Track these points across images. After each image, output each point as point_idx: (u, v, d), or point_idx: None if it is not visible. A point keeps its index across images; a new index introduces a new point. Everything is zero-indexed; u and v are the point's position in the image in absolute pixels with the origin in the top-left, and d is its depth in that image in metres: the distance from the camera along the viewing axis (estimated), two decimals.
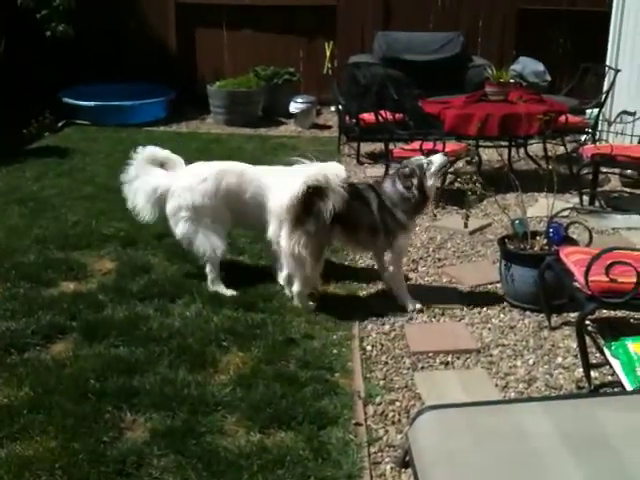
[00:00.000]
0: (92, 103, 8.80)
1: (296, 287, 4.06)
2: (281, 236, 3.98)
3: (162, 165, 4.40)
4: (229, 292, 4.22)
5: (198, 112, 9.45)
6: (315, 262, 3.96)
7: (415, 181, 3.98)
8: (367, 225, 4.04)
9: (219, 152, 7.68)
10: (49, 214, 5.55)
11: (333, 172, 3.85)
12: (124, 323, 3.79)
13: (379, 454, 2.91)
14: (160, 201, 4.25)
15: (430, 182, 4.02)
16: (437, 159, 4.08)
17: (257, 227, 4.37)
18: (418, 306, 4.12)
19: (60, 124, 8.60)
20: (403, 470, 2.78)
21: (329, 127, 9.20)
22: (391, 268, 4.18)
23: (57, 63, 8.73)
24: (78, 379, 3.27)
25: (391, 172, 4.15)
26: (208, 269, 4.27)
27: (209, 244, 4.22)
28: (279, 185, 4.05)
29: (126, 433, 2.94)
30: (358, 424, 3.05)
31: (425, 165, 4.03)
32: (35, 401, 3.10)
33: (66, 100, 8.87)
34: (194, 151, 7.67)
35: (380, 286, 4.43)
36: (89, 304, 4.01)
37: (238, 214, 4.32)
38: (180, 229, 4.24)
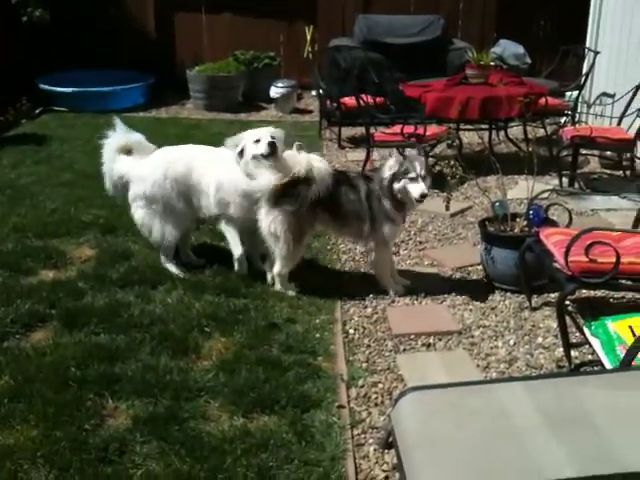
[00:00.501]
0: (70, 89, 8.68)
1: (276, 268, 4.05)
2: (260, 215, 3.98)
3: (130, 151, 4.33)
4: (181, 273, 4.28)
5: (178, 97, 9.37)
6: (295, 243, 3.97)
7: (391, 170, 3.92)
8: (353, 212, 4.01)
9: (200, 138, 7.62)
10: (27, 202, 5.48)
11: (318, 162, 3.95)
12: (105, 310, 3.76)
13: (362, 436, 2.92)
14: (125, 188, 4.30)
15: (398, 186, 3.89)
16: (417, 190, 3.87)
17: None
18: (399, 293, 4.10)
19: (37, 111, 8.49)
20: (386, 451, 2.80)
21: (310, 112, 9.16)
22: (373, 255, 4.14)
23: (34, 49, 8.60)
24: (59, 367, 3.24)
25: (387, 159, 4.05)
26: (162, 258, 4.32)
27: (161, 232, 4.24)
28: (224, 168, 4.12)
29: (108, 420, 2.92)
30: (341, 407, 3.06)
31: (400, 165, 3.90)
32: (15, 390, 3.08)
33: (43, 87, 8.75)
34: (174, 137, 7.60)
35: (362, 270, 4.44)
36: (69, 292, 3.97)
37: (196, 201, 4.26)
38: (137, 217, 4.29)
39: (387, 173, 3.91)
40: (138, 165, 4.26)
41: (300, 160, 3.90)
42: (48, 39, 8.70)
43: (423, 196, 3.84)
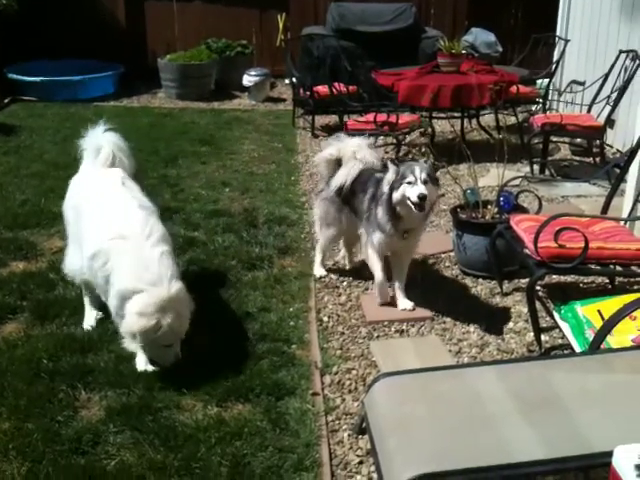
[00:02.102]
0: (39, 79, 8.55)
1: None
2: None
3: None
4: None
5: (149, 86, 9.27)
6: (324, 228, 4.12)
7: (389, 183, 3.63)
8: (360, 209, 3.89)
9: (172, 127, 7.58)
10: None
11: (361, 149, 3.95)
12: (76, 302, 3.71)
13: (336, 422, 2.94)
14: None
15: (396, 195, 3.57)
16: (414, 192, 3.51)
17: None
18: (383, 300, 3.88)
19: (6, 100, 8.34)
20: (360, 437, 2.83)
21: (284, 100, 9.14)
22: (364, 254, 3.96)
23: (2, 38, 8.44)
24: (30, 359, 3.21)
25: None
26: None
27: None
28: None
29: (81, 412, 2.91)
30: (315, 394, 3.08)
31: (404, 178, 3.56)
32: None
33: (12, 76, 8.60)
34: (146, 126, 7.57)
35: (337, 258, 4.45)
36: (40, 283, 3.93)
37: None
38: None
39: (386, 187, 3.62)
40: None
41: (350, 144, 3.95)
42: (17, 28, 8.54)
43: (421, 198, 3.46)
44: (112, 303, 3.10)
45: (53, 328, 3.50)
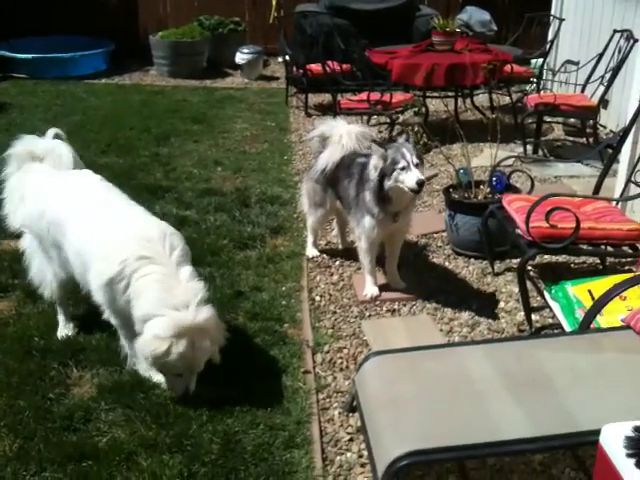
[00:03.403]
0: (29, 56, 8.47)
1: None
2: None
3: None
4: None
5: (141, 64, 9.20)
6: (312, 207, 4.10)
7: (377, 170, 3.51)
8: (345, 196, 3.84)
9: (164, 105, 7.53)
10: None
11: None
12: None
13: (327, 400, 2.96)
14: None
15: (390, 182, 3.47)
16: (411, 178, 3.40)
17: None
18: (373, 293, 3.77)
19: None
20: (351, 414, 2.84)
21: (277, 78, 9.08)
22: (357, 243, 3.83)
23: None
24: (22, 337, 3.22)
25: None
26: None
27: None
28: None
29: (73, 389, 2.92)
30: (307, 372, 3.09)
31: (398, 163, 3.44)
32: None
33: (2, 53, 8.51)
34: (138, 104, 7.52)
35: (329, 238, 4.45)
36: None
37: None
38: None
39: (374, 174, 3.50)
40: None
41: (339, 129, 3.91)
42: (6, 5, 8.42)
43: (420, 184, 3.37)
44: (135, 325, 2.81)
45: (45, 306, 3.50)
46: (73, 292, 3.29)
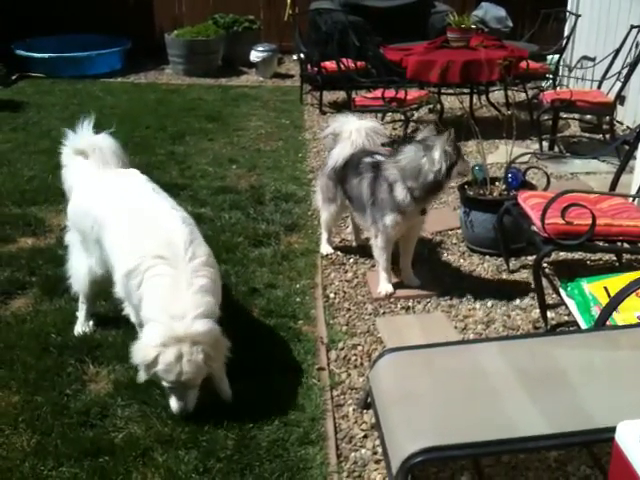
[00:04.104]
0: (46, 55, 8.54)
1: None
2: None
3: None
4: None
5: (156, 62, 9.24)
6: (325, 203, 4.10)
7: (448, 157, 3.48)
8: (357, 195, 3.82)
9: (179, 103, 7.57)
10: (4, 169, 5.43)
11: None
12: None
13: (342, 397, 2.97)
14: None
15: (458, 167, 3.54)
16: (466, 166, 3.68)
17: None
18: (388, 291, 3.76)
19: (13, 77, 8.33)
20: (365, 411, 2.85)
21: (291, 76, 9.08)
22: (372, 241, 3.81)
23: (9, 14, 8.41)
24: (39, 334, 3.25)
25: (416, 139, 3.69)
26: None
27: None
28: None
29: (89, 385, 2.95)
30: (321, 369, 3.10)
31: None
32: None
33: (19, 52, 8.58)
34: (153, 102, 7.56)
35: (343, 235, 4.46)
36: (48, 259, 3.96)
37: None
38: None
39: (440, 163, 3.46)
40: None
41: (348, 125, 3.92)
42: (24, 4, 8.49)
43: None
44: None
45: (62, 303, 3.54)
46: (102, 291, 3.28)
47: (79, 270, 3.24)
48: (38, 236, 4.31)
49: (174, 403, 2.68)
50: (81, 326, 3.32)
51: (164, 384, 2.67)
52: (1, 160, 5.63)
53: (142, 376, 2.69)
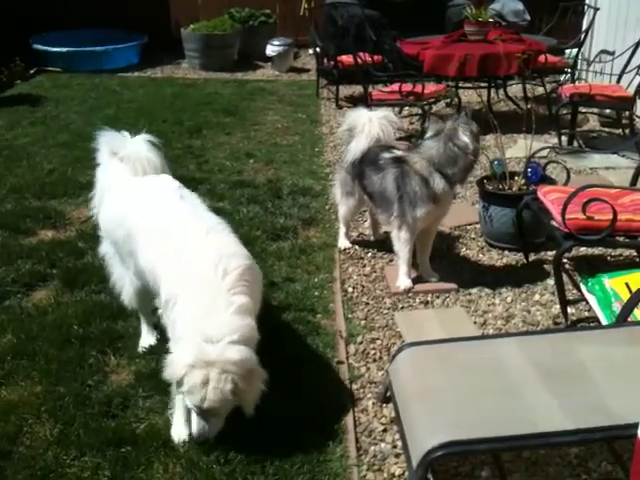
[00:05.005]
0: (64, 49, 8.59)
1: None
2: None
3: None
4: None
5: (173, 57, 9.27)
6: (344, 197, 4.10)
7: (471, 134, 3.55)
8: (379, 191, 3.79)
9: (196, 97, 7.59)
10: (24, 163, 5.47)
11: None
12: (104, 270, 3.75)
13: (361, 390, 2.97)
14: None
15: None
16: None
17: None
18: (407, 285, 3.76)
19: (32, 71, 8.38)
20: (384, 405, 2.85)
21: (307, 70, 9.08)
22: (394, 234, 3.77)
23: (27, 8, 8.46)
24: (61, 325, 3.28)
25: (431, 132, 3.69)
26: None
27: None
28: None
29: (111, 376, 2.97)
30: (340, 362, 3.11)
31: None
32: (18, 347, 3.12)
33: (37, 47, 8.64)
34: (170, 96, 7.59)
35: (360, 230, 4.46)
36: (69, 252, 3.99)
37: None
38: None
39: (473, 145, 3.56)
40: None
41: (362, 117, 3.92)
42: None
43: None
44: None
45: (82, 295, 3.57)
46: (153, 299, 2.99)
47: (122, 284, 3.12)
48: (58, 229, 4.35)
49: (195, 426, 2.52)
50: (145, 339, 3.18)
51: (188, 405, 2.53)
52: (21, 154, 5.67)
53: (174, 390, 2.60)
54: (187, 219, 2.84)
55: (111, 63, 8.74)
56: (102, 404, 2.78)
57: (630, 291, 3.04)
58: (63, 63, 8.59)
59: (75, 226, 4.38)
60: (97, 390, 2.87)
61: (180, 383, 2.46)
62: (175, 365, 2.46)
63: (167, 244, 2.71)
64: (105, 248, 3.20)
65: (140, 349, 3.14)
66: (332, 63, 7.48)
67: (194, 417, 2.52)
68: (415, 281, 3.79)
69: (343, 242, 4.24)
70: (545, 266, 3.97)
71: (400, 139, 4.00)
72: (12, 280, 3.68)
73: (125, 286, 3.10)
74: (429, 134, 3.70)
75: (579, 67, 7.31)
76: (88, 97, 7.48)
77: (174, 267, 2.63)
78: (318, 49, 7.81)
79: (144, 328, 3.20)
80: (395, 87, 6.20)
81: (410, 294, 3.72)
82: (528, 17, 9.00)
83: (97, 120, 6.58)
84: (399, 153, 3.76)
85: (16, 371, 2.97)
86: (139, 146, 3.22)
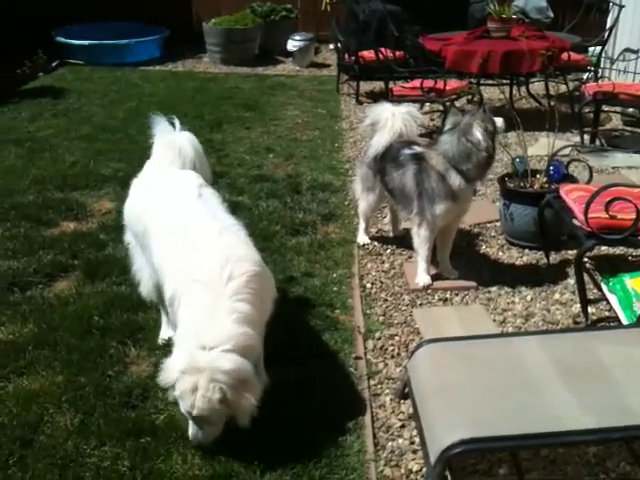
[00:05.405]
0: (86, 42, 8.64)
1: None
2: None
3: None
4: None
5: (194, 51, 9.29)
6: (364, 192, 4.09)
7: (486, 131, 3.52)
8: (399, 187, 3.80)
9: (216, 92, 7.61)
10: (46, 154, 5.53)
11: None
12: (126, 262, 3.78)
13: (379, 386, 2.97)
14: None
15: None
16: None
17: None
18: (426, 282, 3.75)
19: (54, 64, 8.45)
20: (402, 401, 2.85)
21: (328, 66, 9.07)
22: (414, 231, 3.77)
23: (48, 1, 8.53)
24: (82, 316, 3.32)
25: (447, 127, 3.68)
26: None
27: None
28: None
29: (131, 367, 3.00)
30: (358, 358, 3.11)
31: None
32: (40, 337, 3.16)
33: (59, 39, 8.70)
34: (191, 90, 7.62)
35: (380, 225, 4.45)
36: (90, 243, 4.03)
37: None
38: None
39: (486, 142, 3.52)
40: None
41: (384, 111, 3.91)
42: None
43: None
44: None
45: (103, 286, 3.60)
46: None
47: (142, 276, 3.11)
48: (80, 220, 4.39)
49: (189, 430, 2.50)
50: (165, 332, 3.14)
51: (181, 410, 2.49)
52: (43, 146, 5.73)
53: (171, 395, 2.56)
54: (201, 218, 2.79)
55: (133, 56, 8.78)
56: (122, 395, 2.81)
57: None
58: (85, 56, 8.64)
59: (96, 218, 4.42)
60: (117, 381, 2.90)
61: (173, 387, 2.44)
62: (169, 370, 2.45)
63: (178, 242, 2.69)
64: (128, 238, 3.21)
65: (160, 341, 3.15)
66: (353, 58, 7.45)
67: (190, 422, 2.50)
68: (434, 278, 3.78)
69: (362, 238, 4.24)
70: (565, 265, 3.94)
71: (421, 136, 3.97)
72: (34, 271, 3.72)
73: (144, 278, 3.10)
74: (446, 127, 3.70)
75: (602, 65, 7.23)
76: (110, 90, 7.53)
77: (181, 266, 2.60)
78: (339, 44, 7.79)
79: (164, 320, 3.20)
80: (416, 83, 6.18)
81: (429, 291, 3.71)
82: (551, 14, 8.91)
83: (119, 113, 6.65)
84: (419, 149, 3.75)
85: (37, 361, 3.00)
86: (185, 139, 3.23)
